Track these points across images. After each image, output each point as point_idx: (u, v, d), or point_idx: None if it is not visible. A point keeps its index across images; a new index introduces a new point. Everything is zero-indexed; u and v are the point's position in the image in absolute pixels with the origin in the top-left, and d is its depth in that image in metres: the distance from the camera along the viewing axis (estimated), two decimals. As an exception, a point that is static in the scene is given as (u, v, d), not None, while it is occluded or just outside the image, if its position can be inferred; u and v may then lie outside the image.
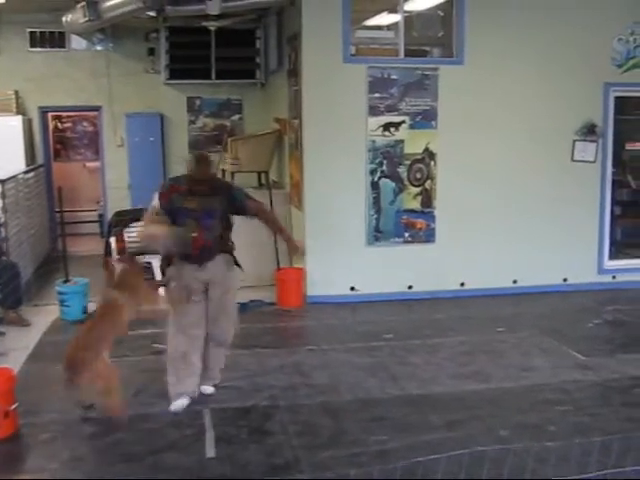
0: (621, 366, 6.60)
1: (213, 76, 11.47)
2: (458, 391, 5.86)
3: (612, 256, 9.84)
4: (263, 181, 9.97)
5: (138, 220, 9.43)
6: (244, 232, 9.69)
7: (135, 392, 5.91)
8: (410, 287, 8.96)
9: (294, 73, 9.06)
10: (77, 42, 11.80)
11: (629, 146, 10.47)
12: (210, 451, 4.86)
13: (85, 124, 14.38)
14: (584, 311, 8.62)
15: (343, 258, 8.77)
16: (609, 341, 7.52)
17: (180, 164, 11.89)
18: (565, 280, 9.47)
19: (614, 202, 9.90)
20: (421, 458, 4.42)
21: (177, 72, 11.48)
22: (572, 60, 9.14)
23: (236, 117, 12.10)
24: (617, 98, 9.53)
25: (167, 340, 5.70)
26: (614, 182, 9.81)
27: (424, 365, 6.59)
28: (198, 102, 12.06)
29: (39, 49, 11.70)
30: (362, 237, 8.86)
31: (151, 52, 11.84)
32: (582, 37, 9.14)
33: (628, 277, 9.72)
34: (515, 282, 9.27)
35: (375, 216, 8.85)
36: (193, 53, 11.35)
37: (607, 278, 9.69)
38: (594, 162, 9.44)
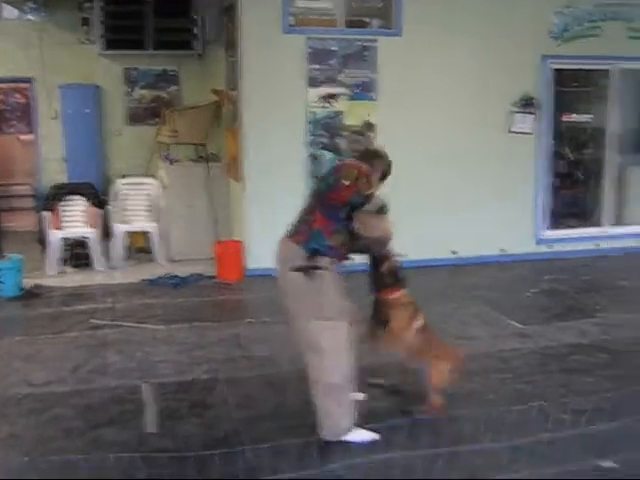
0: (558, 334, 6.72)
1: (150, 47, 11.26)
2: (400, 361, 5.88)
3: (549, 226, 9.99)
4: (201, 153, 9.86)
5: (74, 194, 9.29)
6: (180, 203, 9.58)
7: (73, 368, 5.83)
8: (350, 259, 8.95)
9: (232, 44, 8.93)
10: (8, 11, 11.47)
11: (566, 118, 10.60)
12: (150, 426, 4.81)
13: (17, 96, 14.02)
14: (522, 281, 8.75)
15: (283, 230, 8.68)
16: (546, 310, 7.64)
17: (117, 136, 11.83)
18: (503, 250, 9.59)
19: (551, 173, 10.03)
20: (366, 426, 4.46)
21: (112, 42, 11.23)
22: (511, 32, 9.20)
23: (173, 89, 11.89)
24: (555, 70, 9.65)
25: None
26: (552, 153, 9.94)
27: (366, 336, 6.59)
28: (134, 73, 11.82)
29: (-31, 19, 11.35)
30: (302, 209, 8.81)
31: (85, 22, 11.53)
32: (521, 9, 9.21)
33: (565, 247, 9.88)
34: (454, 253, 9.35)
35: (315, 188, 8.80)
36: (129, 23, 11.11)
37: (544, 248, 9.84)
38: (532, 134, 9.56)
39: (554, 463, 3.45)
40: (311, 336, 4.44)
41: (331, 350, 4.39)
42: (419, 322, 4.89)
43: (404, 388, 5.03)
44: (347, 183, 4.36)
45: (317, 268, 4.36)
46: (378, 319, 4.89)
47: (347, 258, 4.61)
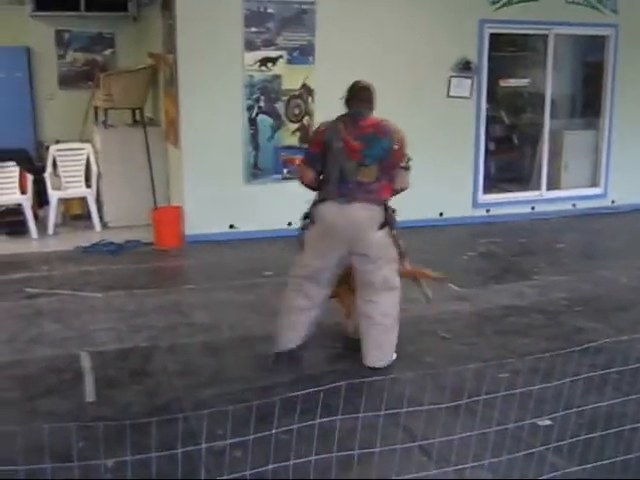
0: (494, 296, 6.84)
1: (82, 8, 10.98)
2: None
3: (486, 190, 10.09)
4: (138, 118, 9.70)
5: (6, 160, 9.05)
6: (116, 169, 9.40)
7: (9, 338, 5.73)
8: (289, 224, 8.90)
9: (168, 6, 8.76)
10: None
11: (503, 82, 10.70)
12: (90, 395, 4.75)
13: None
14: (459, 244, 8.85)
15: (222, 196, 8.66)
16: (483, 272, 7.75)
17: (49, 100, 11.53)
18: (441, 214, 9.68)
19: (488, 137, 10.12)
20: (303, 391, 4.45)
21: (43, 3, 10.92)
22: (449, -4, 9.23)
23: (108, 52, 11.63)
24: (492, 35, 9.69)
25: None
26: (489, 118, 10.02)
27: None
28: (67, 36, 11.51)
29: None
30: (240, 174, 8.76)
31: (15, -18, 11.20)
32: (458, -27, 9.23)
33: (501, 210, 10.02)
34: (393, 217, 9.38)
35: (253, 153, 8.76)
36: (60, -17, 10.82)
37: (481, 212, 9.96)
38: (469, 98, 9.61)
39: (493, 423, 3.51)
40: (388, 277, 5.06)
41: (399, 289, 5.14)
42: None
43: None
44: (397, 146, 5.07)
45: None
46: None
47: None
